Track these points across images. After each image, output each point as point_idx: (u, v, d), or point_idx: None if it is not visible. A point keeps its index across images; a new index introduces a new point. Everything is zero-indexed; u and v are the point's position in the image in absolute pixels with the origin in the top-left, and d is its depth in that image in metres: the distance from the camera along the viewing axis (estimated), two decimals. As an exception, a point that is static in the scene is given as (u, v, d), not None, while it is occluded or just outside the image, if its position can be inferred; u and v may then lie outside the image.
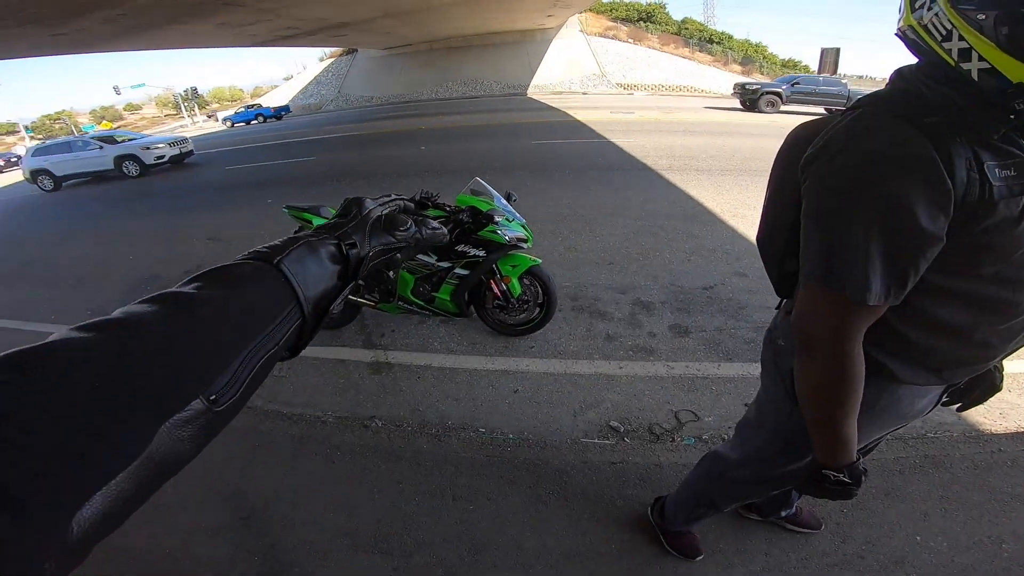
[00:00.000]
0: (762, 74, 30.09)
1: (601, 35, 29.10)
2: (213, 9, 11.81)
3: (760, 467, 1.24)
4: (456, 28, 24.14)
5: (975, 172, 0.73)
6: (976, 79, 0.73)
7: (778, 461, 1.18)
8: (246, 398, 0.34)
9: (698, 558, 1.63)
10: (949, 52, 0.74)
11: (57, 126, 52.09)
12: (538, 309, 2.90)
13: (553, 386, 2.58)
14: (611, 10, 32.55)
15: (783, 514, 1.69)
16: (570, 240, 4.50)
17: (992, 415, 2.27)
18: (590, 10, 28.33)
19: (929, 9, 0.74)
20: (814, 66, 27.89)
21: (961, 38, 0.72)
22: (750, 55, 31.24)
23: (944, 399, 1.05)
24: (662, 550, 1.67)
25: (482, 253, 2.72)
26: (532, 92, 25.87)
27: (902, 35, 0.80)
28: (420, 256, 2.78)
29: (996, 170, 0.73)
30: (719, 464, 1.39)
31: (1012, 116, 0.73)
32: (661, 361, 2.73)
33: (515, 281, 2.81)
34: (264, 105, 31.51)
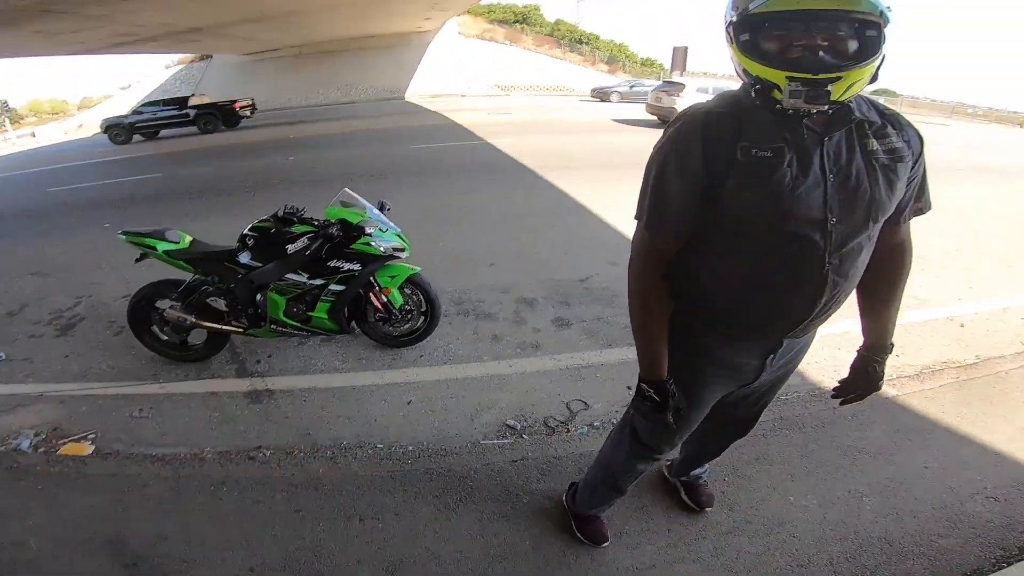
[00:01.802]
0: (625, 72, 32.56)
1: (479, 37, 29.44)
2: (29, 17, 9.96)
3: (640, 426, 1.43)
4: (329, 32, 22.68)
5: (733, 151, 0.98)
6: (745, 80, 1.00)
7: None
8: None
9: (604, 544, 1.74)
10: (736, 65, 1.01)
11: None
12: (422, 318, 2.86)
13: (447, 392, 2.58)
14: (488, 12, 33.03)
15: (692, 473, 1.87)
16: (450, 244, 4.50)
17: (828, 372, 2.62)
18: (468, 12, 28.39)
19: (729, 48, 1.01)
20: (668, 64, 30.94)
21: (734, 59, 1.00)
22: (615, 55, 33.64)
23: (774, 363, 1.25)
24: (574, 539, 1.75)
25: (357, 267, 2.63)
26: (410, 96, 25.48)
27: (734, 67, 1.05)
28: (289, 275, 2.62)
29: (752, 151, 0.97)
30: (616, 438, 1.55)
31: (766, 107, 0.99)
32: (548, 355, 2.85)
33: (395, 292, 2.74)
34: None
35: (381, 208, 2.81)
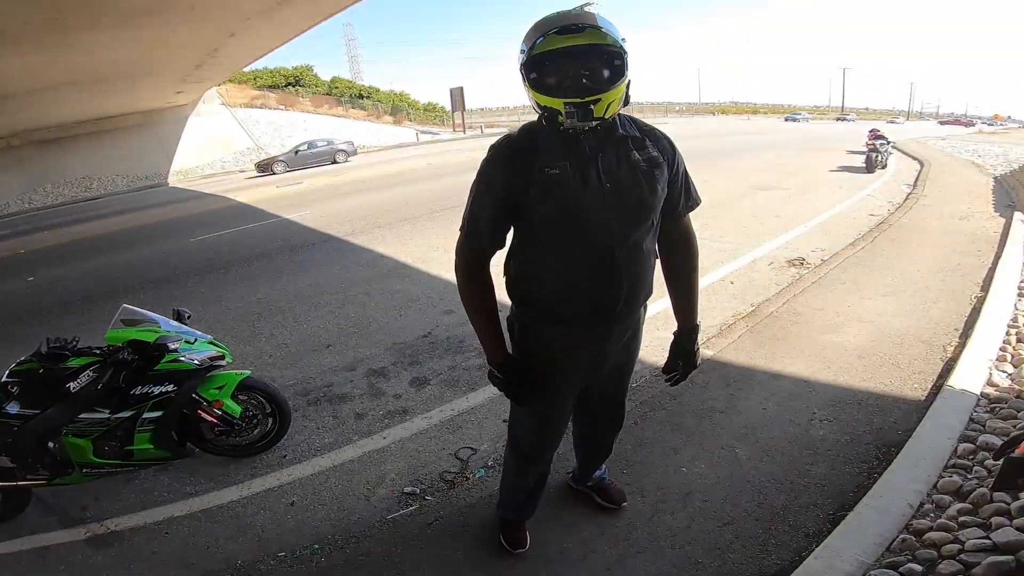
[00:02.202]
0: (411, 120, 33.75)
1: (248, 106, 27.25)
2: None
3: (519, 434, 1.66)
4: (47, 117, 18.29)
5: (529, 170, 1.23)
6: (537, 110, 1.25)
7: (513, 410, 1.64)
8: None
9: (520, 550, 1.85)
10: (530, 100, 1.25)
11: None
12: (271, 419, 2.64)
13: (330, 482, 2.42)
14: (254, 79, 30.96)
15: (595, 476, 2.01)
16: (276, 336, 4.12)
17: (656, 350, 3.02)
18: (230, 81, 26.02)
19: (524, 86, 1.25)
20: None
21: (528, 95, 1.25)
22: (397, 105, 34.66)
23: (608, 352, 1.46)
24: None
25: (171, 388, 2.33)
26: (176, 180, 22.13)
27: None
28: (84, 415, 2.25)
29: (545, 169, 1.22)
30: (505, 460, 1.78)
31: (553, 131, 1.24)
32: (418, 416, 2.83)
33: (229, 402, 2.48)
34: None
35: (179, 318, 2.54)
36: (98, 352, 2.29)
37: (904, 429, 2.28)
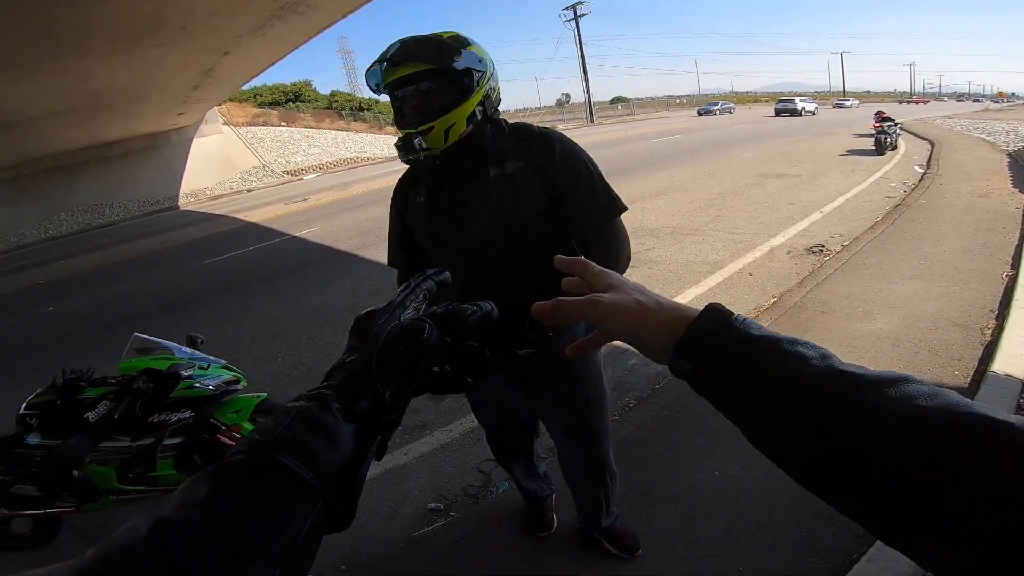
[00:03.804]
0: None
1: (250, 124, 27.53)
2: None
3: None
4: (52, 145, 18.54)
5: (406, 199, 1.32)
6: None
7: None
8: None
9: (543, 533, 1.91)
10: None
11: None
12: None
13: None
14: (255, 97, 31.33)
15: (604, 526, 1.76)
16: (292, 356, 4.09)
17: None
18: (231, 100, 26.31)
19: None
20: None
21: None
22: (397, 117, 34.82)
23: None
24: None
25: (189, 414, 2.34)
26: (185, 203, 22.16)
27: None
28: (105, 443, 2.29)
29: (416, 198, 1.28)
30: None
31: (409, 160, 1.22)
32: (438, 430, 2.78)
33: (248, 425, 2.47)
34: None
35: (192, 343, 2.55)
36: (113, 382, 2.31)
37: None
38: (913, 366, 2.62)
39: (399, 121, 1.18)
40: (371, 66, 1.14)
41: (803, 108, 31.82)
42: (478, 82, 1.14)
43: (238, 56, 11.93)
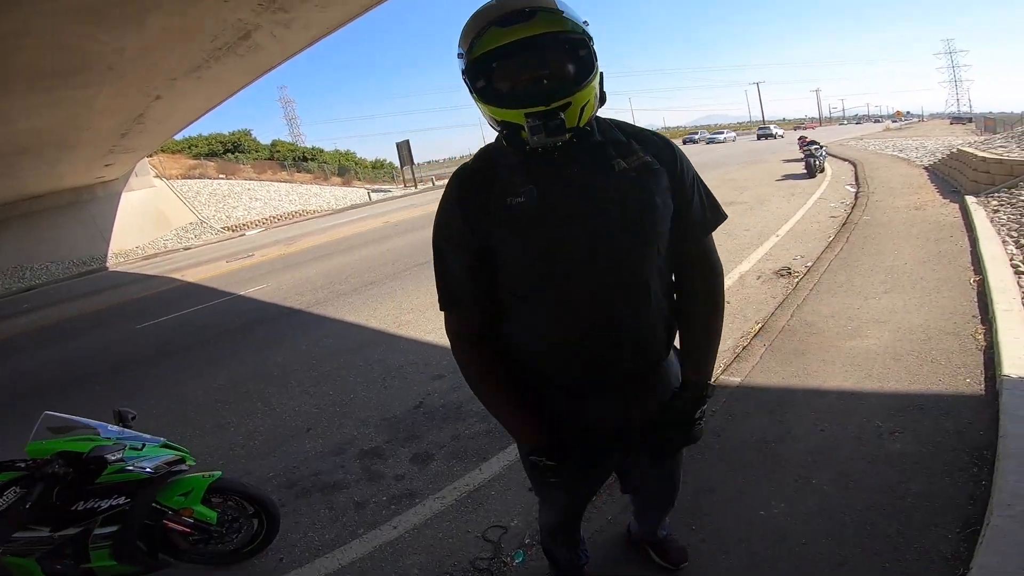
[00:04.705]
0: (360, 180, 33.54)
1: (185, 177, 26.12)
2: None
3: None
4: None
5: (488, 203, 0.96)
6: (495, 127, 0.98)
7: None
8: None
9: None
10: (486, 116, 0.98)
11: None
12: (255, 520, 2.38)
13: None
14: (190, 147, 30.05)
15: (652, 538, 1.72)
16: (246, 425, 3.66)
17: None
18: (163, 151, 24.92)
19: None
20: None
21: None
22: (344, 165, 34.37)
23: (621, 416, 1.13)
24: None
25: (123, 500, 2.07)
26: (115, 264, 20.50)
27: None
28: (19, 534, 1.99)
29: (508, 199, 0.95)
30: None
31: (518, 150, 0.96)
32: (429, 497, 2.50)
33: (201, 508, 2.22)
34: None
35: (122, 420, 2.26)
36: (23, 466, 2.01)
37: (983, 429, 2.10)
38: (923, 379, 2.56)
39: (505, 99, 0.92)
40: (478, 22, 0.90)
41: (777, 134, 41.15)
42: (596, 55, 0.94)
43: (171, 100, 11.31)
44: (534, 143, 0.91)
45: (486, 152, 1.04)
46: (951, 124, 43.46)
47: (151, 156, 23.30)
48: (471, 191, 0.98)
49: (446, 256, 1.01)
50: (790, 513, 1.87)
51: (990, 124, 27.10)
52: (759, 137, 40.39)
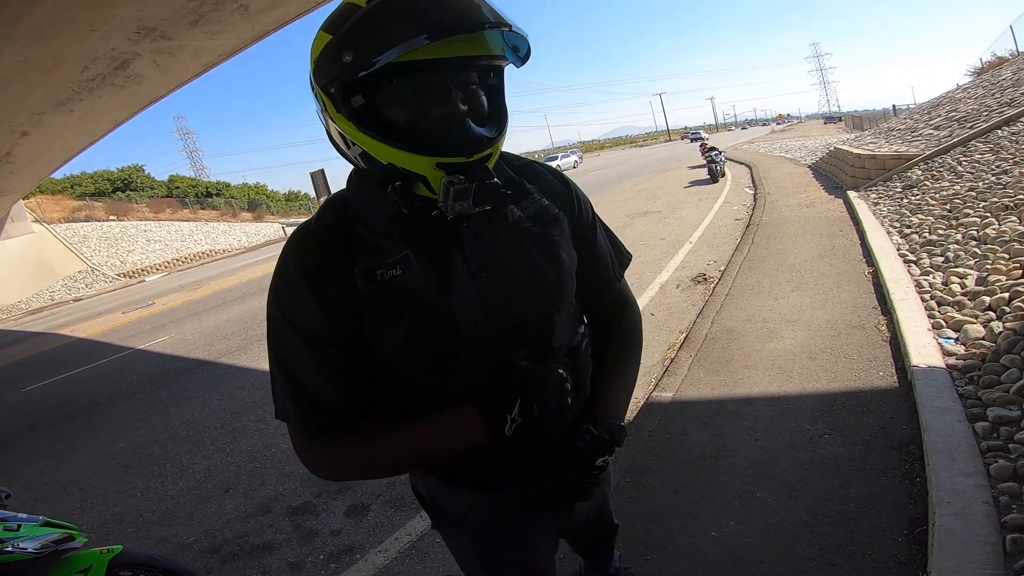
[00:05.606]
0: (273, 214, 31.78)
1: (70, 220, 23.44)
2: None
3: None
4: None
5: (348, 281, 0.70)
6: (364, 166, 0.71)
7: None
8: None
9: None
10: (348, 151, 0.72)
11: None
12: None
13: None
14: (72, 187, 26.96)
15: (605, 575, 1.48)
16: (154, 489, 3.32)
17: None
18: (41, 192, 22.06)
19: (327, 119, 0.70)
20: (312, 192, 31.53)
21: (341, 134, 0.69)
22: (254, 199, 32.44)
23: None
24: None
25: None
26: None
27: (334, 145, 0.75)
28: None
29: (376, 273, 0.70)
30: None
31: (385, 202, 0.71)
32: (371, 551, 2.33)
33: None
34: None
35: None
36: None
37: (905, 423, 2.20)
38: (839, 376, 2.68)
39: (396, 137, 0.66)
40: (397, 18, 0.60)
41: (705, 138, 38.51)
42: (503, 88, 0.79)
43: (41, 137, 10.09)
44: (452, 210, 0.67)
45: (339, 204, 0.76)
46: (825, 124, 48.84)
47: (27, 199, 20.67)
48: (322, 261, 0.71)
49: (292, 352, 0.72)
50: (740, 532, 1.85)
51: (857, 122, 30.36)
52: (691, 140, 45.72)
